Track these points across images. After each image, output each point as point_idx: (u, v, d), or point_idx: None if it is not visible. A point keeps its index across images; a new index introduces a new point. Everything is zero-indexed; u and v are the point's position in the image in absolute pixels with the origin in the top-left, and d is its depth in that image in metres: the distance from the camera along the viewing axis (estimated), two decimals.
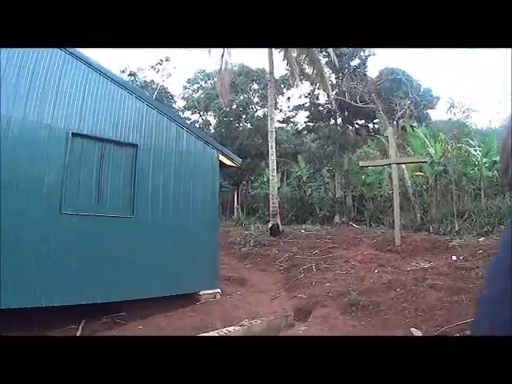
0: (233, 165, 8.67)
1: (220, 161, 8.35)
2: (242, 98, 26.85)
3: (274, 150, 13.61)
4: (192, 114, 32.13)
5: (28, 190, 5.65)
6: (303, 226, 15.63)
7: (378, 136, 22.09)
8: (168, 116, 7.52)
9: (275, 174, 13.83)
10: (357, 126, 24.85)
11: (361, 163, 12.22)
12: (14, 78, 5.58)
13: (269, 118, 14.57)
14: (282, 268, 9.76)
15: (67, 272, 5.91)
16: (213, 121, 30.36)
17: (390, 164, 11.04)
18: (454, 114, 20.68)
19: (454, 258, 9.07)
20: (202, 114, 31.82)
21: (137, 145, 6.99)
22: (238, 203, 26.97)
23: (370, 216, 19.36)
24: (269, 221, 14.84)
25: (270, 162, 13.63)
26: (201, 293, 7.67)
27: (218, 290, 7.98)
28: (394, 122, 21.32)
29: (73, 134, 6.21)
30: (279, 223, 14.09)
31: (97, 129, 6.52)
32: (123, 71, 28.04)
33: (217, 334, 5.47)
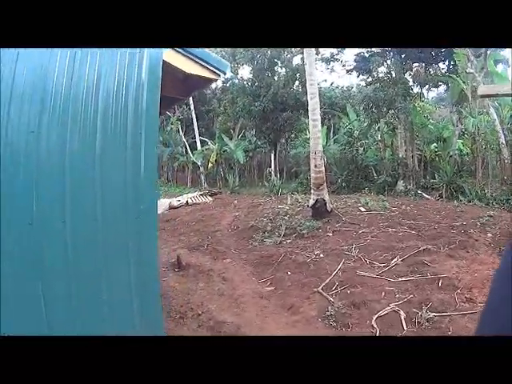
0: (207, 76, 3.24)
1: (171, 67, 3.00)
2: None
3: (313, 76, 7.74)
4: None
5: None
6: (361, 200, 9.95)
7: (454, 77, 14.86)
8: None
9: (318, 117, 7.93)
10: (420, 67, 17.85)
11: (480, 90, 6.13)
12: None
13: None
14: (331, 310, 4.33)
15: None
16: (242, 72, 24.41)
17: None
18: None
19: None
20: (231, 64, 26.04)
21: None
22: (275, 166, 21.43)
23: (447, 183, 13.22)
24: (310, 192, 9.30)
25: (309, 98, 7.78)
26: None
27: None
28: (477, 60, 14.08)
29: None
30: (326, 198, 8.52)
31: None
32: None
33: None
